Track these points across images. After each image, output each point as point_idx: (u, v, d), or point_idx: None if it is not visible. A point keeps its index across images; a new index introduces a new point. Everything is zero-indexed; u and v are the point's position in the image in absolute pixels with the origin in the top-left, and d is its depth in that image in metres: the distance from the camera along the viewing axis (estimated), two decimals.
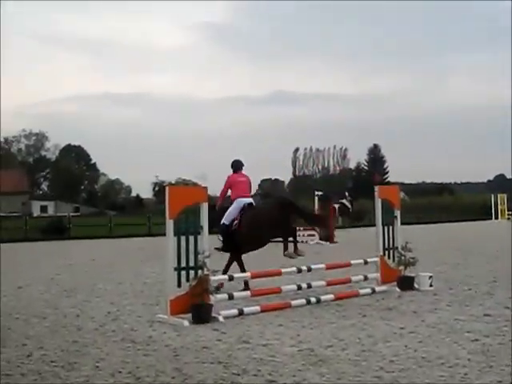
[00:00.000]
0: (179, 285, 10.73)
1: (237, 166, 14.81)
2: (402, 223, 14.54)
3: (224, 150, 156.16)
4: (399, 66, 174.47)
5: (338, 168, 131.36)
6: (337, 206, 42.00)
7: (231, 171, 14.77)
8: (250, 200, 14.45)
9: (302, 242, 30.70)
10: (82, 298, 13.55)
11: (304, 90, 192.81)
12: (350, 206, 44.02)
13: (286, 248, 13.66)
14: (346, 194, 45.41)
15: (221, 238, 14.25)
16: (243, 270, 14.00)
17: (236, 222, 14.02)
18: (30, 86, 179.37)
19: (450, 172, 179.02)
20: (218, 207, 14.45)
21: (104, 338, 9.54)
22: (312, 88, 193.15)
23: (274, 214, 13.50)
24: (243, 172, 14.82)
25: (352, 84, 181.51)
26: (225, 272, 13.45)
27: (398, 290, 13.31)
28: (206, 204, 11.17)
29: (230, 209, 14.20)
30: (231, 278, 11.76)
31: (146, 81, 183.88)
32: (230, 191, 14.57)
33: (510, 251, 19.37)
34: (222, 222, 14.04)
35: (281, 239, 13.64)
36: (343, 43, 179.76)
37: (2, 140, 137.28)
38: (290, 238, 13.88)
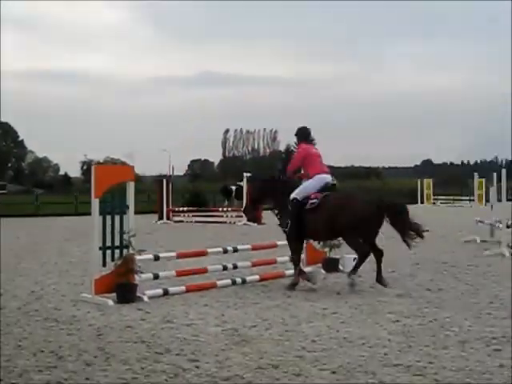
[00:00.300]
0: (104, 264, 10.69)
1: (306, 134, 12.65)
2: None
3: (152, 130, 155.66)
4: (335, 52, 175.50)
5: (267, 150, 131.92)
6: (233, 188, 42.58)
7: (299, 140, 12.87)
8: (332, 179, 12.40)
9: (230, 223, 30.87)
10: (6, 276, 13.34)
11: (235, 72, 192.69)
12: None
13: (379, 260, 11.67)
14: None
15: (279, 216, 12.49)
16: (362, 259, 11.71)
17: (314, 201, 11.81)
18: None
19: (379, 158, 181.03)
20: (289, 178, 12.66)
21: (27, 317, 9.45)
22: (245, 70, 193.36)
23: (371, 213, 11.56)
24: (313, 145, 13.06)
25: (286, 67, 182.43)
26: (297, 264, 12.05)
27: (323, 271, 13.45)
28: (133, 183, 11.10)
29: (307, 183, 12.02)
30: (157, 258, 11.69)
31: (78, 59, 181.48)
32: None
33: (435, 236, 19.71)
34: (292, 196, 11.95)
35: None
36: (279, 26, 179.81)
37: None
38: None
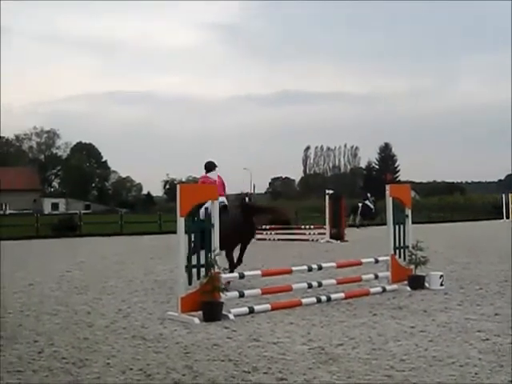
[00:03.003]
0: (190, 282, 10.75)
1: (209, 166, 15.48)
2: (413, 222, 14.52)
3: (233, 149, 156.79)
4: (411, 68, 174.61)
5: (348, 166, 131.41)
6: (360, 205, 45.22)
7: (204, 172, 15.43)
8: (223, 198, 14.67)
9: (313, 240, 30.78)
10: (93, 295, 13.58)
11: (314, 90, 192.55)
12: (372, 206, 45.86)
13: (241, 255, 15.11)
14: (368, 195, 47.06)
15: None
16: (232, 263, 14.89)
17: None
18: (41, 86, 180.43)
19: (460, 171, 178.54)
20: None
21: (115, 335, 9.56)
22: (322, 87, 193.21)
23: (240, 221, 14.42)
24: (216, 172, 15.39)
25: (362, 84, 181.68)
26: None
27: (408, 288, 13.29)
28: (217, 202, 11.18)
29: (204, 208, 12.82)
30: (242, 276, 11.76)
31: (156, 80, 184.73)
32: None
33: None
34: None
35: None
36: (354, 44, 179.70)
37: (14, 138, 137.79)
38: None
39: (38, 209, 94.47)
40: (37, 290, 14.47)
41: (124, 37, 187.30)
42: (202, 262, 10.87)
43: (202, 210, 12.64)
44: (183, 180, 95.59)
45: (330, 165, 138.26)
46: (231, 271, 14.33)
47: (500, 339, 8.70)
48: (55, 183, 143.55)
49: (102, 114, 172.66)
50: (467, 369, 7.25)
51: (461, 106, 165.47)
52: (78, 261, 21.67)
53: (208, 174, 15.29)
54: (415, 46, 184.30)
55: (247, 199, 34.93)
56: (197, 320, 10.30)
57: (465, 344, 8.49)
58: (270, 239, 32.82)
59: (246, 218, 14.68)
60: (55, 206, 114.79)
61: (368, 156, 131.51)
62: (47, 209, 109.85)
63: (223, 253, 11.01)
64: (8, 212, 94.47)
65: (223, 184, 15.30)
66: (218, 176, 15.31)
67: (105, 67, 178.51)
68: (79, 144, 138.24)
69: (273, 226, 35.94)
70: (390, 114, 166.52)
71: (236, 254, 14.95)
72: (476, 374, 7.04)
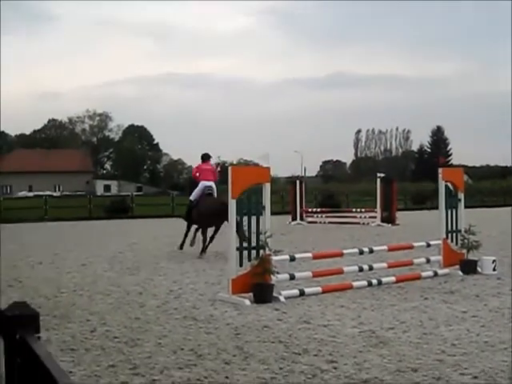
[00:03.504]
0: (241, 264, 10.79)
1: (204, 157, 18.72)
2: (466, 206, 14.38)
3: (284, 132, 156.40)
4: (463, 51, 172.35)
5: (400, 150, 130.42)
6: None
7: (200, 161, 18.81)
8: (210, 183, 18.20)
9: (363, 223, 30.67)
10: (145, 275, 13.71)
11: (365, 72, 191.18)
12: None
13: (213, 235, 17.82)
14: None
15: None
16: (204, 241, 17.61)
17: (194, 200, 18.31)
18: (94, 68, 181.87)
19: None
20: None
21: (166, 315, 9.65)
22: (374, 70, 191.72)
23: (215, 206, 16.84)
24: (210, 162, 18.96)
25: (414, 67, 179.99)
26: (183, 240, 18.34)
27: (460, 273, 13.19)
28: (269, 184, 11.19)
29: (196, 189, 18.18)
30: (293, 259, 11.77)
31: (208, 64, 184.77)
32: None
33: None
34: (190, 198, 18.65)
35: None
36: (407, 29, 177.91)
37: (67, 120, 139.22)
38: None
39: (90, 190, 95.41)
40: (90, 270, 14.65)
41: (177, 20, 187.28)
42: (253, 243, 10.91)
43: (199, 188, 17.99)
44: (234, 163, 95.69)
45: (382, 148, 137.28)
46: (203, 251, 17.32)
47: None
48: (107, 165, 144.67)
49: (154, 96, 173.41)
50: None
51: (506, 89, 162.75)
52: (130, 242, 21.88)
53: (202, 164, 18.57)
54: (467, 30, 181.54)
55: (297, 182, 34.81)
56: (247, 301, 10.34)
57: None
58: (320, 222, 32.78)
59: (221, 205, 15.40)
60: (107, 188, 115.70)
61: (420, 139, 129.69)
62: (100, 190, 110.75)
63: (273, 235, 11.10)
64: (61, 193, 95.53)
65: (214, 172, 18.65)
66: (210, 165, 18.88)
67: (157, 50, 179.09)
68: (131, 126, 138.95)
69: (324, 209, 35.95)
70: (443, 97, 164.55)
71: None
72: None
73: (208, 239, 17.57)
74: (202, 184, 18.04)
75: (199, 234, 17.87)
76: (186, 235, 18.45)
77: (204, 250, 17.27)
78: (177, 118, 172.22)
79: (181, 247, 18.23)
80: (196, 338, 8.17)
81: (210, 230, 17.67)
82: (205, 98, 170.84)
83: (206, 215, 17.33)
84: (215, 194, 18.21)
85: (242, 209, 10.91)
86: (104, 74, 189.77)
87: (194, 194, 18.23)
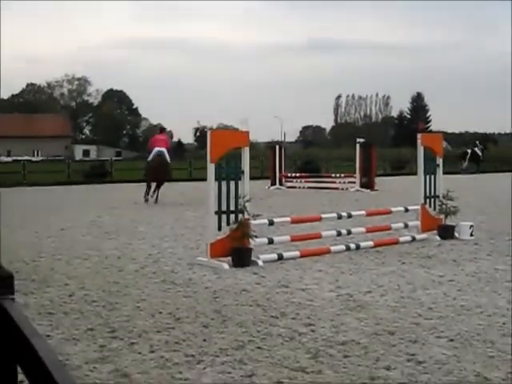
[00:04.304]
0: (219, 228, 10.80)
1: (161, 129, 25.90)
2: (445, 172, 14.43)
3: (264, 97, 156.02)
4: (443, 18, 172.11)
5: (380, 116, 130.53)
6: (469, 151, 49.82)
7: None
8: (162, 149, 23.64)
9: (343, 189, 30.74)
10: (124, 240, 13.70)
11: (346, 38, 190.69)
12: (480, 153, 49.91)
13: (154, 191, 23.42)
14: (477, 142, 51.42)
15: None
16: (154, 191, 23.47)
17: (149, 160, 24.14)
18: (74, 33, 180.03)
19: (493, 122, 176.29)
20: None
21: (145, 279, 9.66)
22: (354, 35, 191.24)
23: (157, 165, 23.25)
24: (164, 133, 25.21)
25: (394, 33, 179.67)
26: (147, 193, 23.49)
27: (438, 238, 13.27)
28: (248, 148, 11.16)
29: (151, 154, 23.94)
30: (271, 223, 11.79)
31: (186, 28, 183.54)
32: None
33: None
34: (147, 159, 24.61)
35: None
36: None
37: (45, 84, 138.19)
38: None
39: (69, 155, 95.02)
40: (68, 235, 14.62)
41: None
42: (232, 208, 10.92)
43: (153, 152, 23.81)
44: (214, 127, 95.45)
45: (362, 114, 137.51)
46: (150, 197, 23.18)
47: None
48: (86, 130, 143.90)
49: (132, 61, 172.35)
50: (495, 318, 7.26)
51: (492, 57, 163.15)
52: (109, 207, 21.85)
53: (159, 135, 24.63)
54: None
55: (277, 147, 34.78)
56: (226, 265, 10.37)
57: (493, 294, 8.49)
58: (300, 187, 32.82)
59: (161, 165, 23.23)
60: (86, 153, 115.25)
61: (400, 105, 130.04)
62: (78, 155, 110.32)
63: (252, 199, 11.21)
64: (40, 158, 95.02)
65: (166, 141, 24.30)
66: (165, 136, 24.85)
67: (135, 15, 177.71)
68: (110, 91, 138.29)
69: (303, 174, 35.98)
70: (423, 63, 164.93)
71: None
72: (504, 323, 7.04)
73: (157, 190, 23.46)
74: (155, 149, 23.69)
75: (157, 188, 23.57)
76: (147, 191, 23.50)
77: (153, 197, 23.23)
78: (156, 82, 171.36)
79: (145, 200, 23.16)
80: (174, 302, 8.19)
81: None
82: (184, 62, 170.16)
83: (151, 171, 23.44)
84: (167, 158, 23.79)
85: (221, 173, 10.89)
86: (83, 39, 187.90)
87: (150, 156, 24.09)
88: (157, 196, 23.24)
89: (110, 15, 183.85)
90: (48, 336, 6.59)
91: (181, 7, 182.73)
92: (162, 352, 6.17)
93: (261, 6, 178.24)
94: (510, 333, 6.65)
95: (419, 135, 13.85)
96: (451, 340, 6.44)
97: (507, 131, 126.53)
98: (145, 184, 23.89)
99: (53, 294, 8.70)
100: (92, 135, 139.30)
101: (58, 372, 2.17)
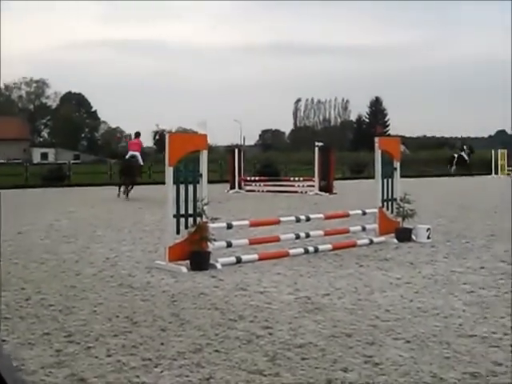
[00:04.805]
0: (178, 232, 10.78)
1: (136, 135, 29.08)
2: (403, 176, 14.54)
3: (224, 101, 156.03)
4: (402, 20, 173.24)
5: (339, 120, 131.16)
6: (456, 156, 51.65)
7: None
8: (134, 153, 27.35)
9: (302, 192, 30.81)
10: (82, 243, 13.61)
11: (305, 42, 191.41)
12: (467, 158, 51.42)
13: (126, 191, 26.76)
14: (464, 147, 52.72)
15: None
16: (124, 191, 27.07)
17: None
18: (32, 34, 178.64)
19: (450, 127, 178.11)
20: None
21: (102, 283, 9.61)
22: (313, 40, 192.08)
23: (125, 167, 27.04)
24: (139, 138, 28.95)
25: (353, 37, 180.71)
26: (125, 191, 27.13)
27: (395, 241, 13.36)
28: (206, 151, 11.15)
29: (129, 154, 27.31)
30: (230, 226, 11.78)
31: (147, 29, 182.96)
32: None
33: (510, 206, 19.36)
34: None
35: None
36: None
37: (3, 86, 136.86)
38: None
39: (27, 158, 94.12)
40: (26, 239, 14.50)
41: None
42: (190, 211, 10.90)
43: (128, 155, 27.24)
44: (173, 131, 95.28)
45: (321, 118, 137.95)
46: (123, 193, 26.76)
47: (484, 292, 8.79)
48: (45, 133, 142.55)
49: (92, 63, 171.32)
50: (451, 320, 7.33)
51: (450, 60, 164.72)
52: (67, 210, 21.67)
53: (135, 140, 28.60)
54: None
55: (236, 151, 34.81)
56: (184, 269, 10.35)
57: (450, 296, 8.57)
58: (259, 191, 32.84)
59: (129, 167, 26.72)
60: (44, 156, 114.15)
61: (358, 110, 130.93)
62: (36, 158, 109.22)
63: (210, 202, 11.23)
64: None
65: (139, 145, 28.16)
66: (138, 140, 28.65)
67: (96, 16, 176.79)
68: (69, 94, 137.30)
69: (262, 178, 36.00)
70: (382, 67, 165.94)
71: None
72: (460, 325, 7.12)
73: (126, 190, 26.83)
74: (129, 153, 27.35)
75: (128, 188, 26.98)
76: (119, 188, 27.44)
77: (125, 194, 26.78)
78: (115, 85, 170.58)
79: (118, 195, 26.96)
80: (132, 306, 8.15)
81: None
82: (143, 65, 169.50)
83: (122, 172, 27.37)
84: (139, 161, 27.63)
85: (179, 176, 10.86)
86: (42, 40, 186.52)
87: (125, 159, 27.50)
88: (127, 193, 26.79)
89: (68, 15, 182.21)
90: (4, 341, 6.53)
91: (140, 7, 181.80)
92: (118, 356, 6.14)
93: (220, 6, 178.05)
94: (466, 334, 6.72)
95: (377, 139, 13.95)
96: (408, 342, 6.49)
97: (464, 136, 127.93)
98: (107, 187, 27.68)
99: (9, 298, 8.61)
100: (50, 138, 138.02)
101: (12, 376, 2.15)
